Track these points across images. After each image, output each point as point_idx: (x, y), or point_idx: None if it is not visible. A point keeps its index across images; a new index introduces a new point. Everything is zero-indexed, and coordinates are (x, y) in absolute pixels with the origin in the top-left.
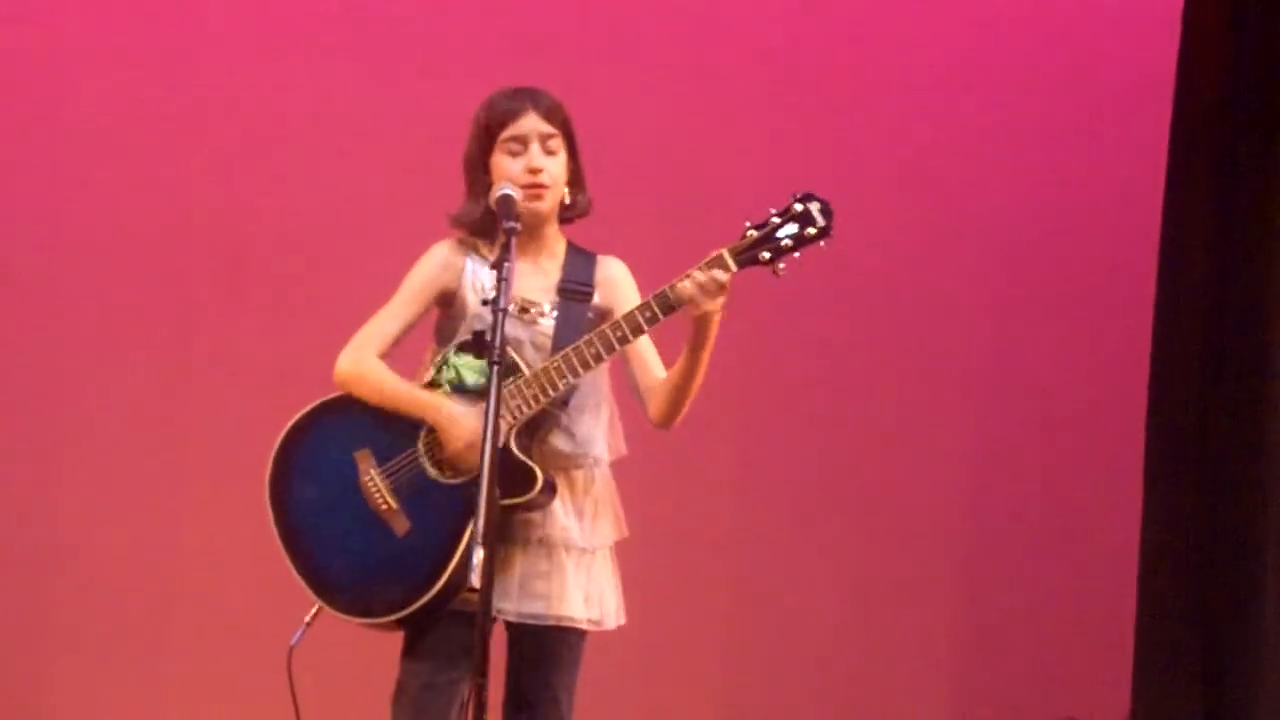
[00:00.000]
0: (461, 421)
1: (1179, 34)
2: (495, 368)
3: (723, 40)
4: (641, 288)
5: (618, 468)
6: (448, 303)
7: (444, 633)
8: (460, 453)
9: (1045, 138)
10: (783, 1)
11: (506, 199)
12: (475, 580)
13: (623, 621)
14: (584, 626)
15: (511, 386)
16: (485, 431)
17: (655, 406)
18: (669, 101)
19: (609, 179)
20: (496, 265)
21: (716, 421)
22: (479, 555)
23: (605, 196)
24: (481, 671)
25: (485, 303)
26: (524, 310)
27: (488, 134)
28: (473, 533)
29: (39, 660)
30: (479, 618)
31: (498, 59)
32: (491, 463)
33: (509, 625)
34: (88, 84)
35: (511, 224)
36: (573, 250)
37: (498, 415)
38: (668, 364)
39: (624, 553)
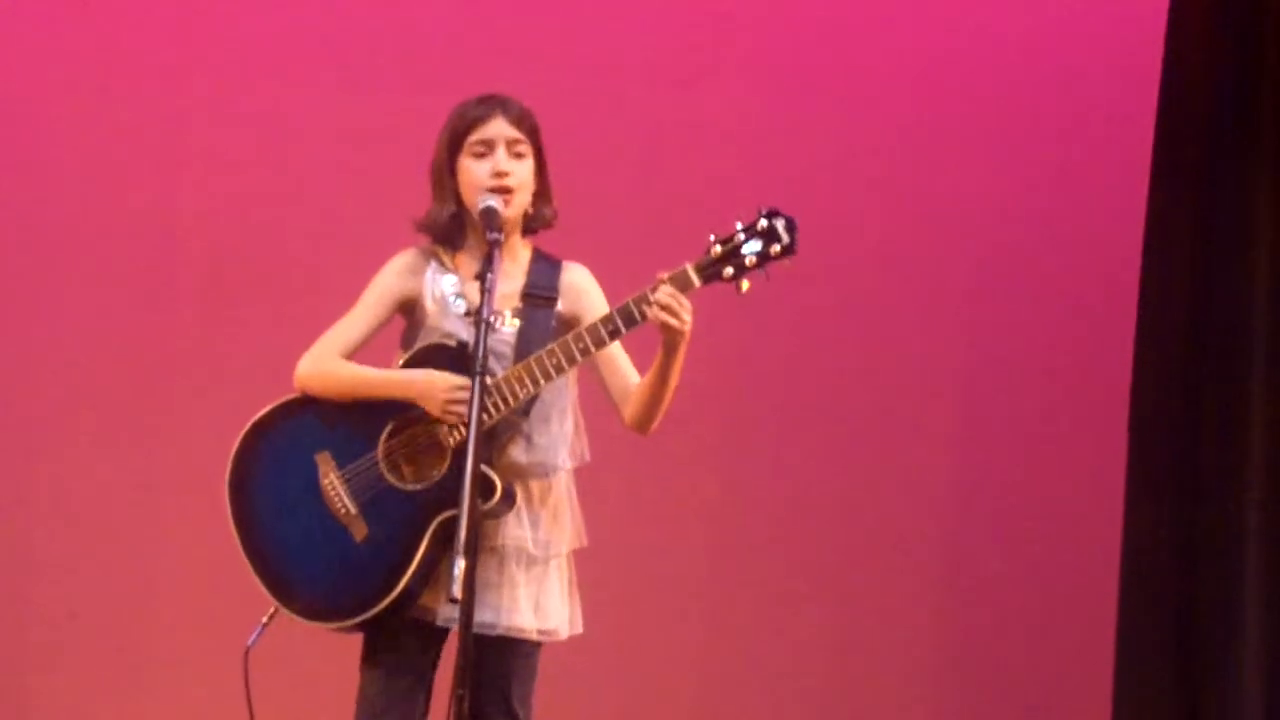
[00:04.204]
0: (439, 384)
1: (1163, 41)
2: (478, 379)
3: (698, 45)
4: (611, 296)
5: (593, 474)
6: (410, 311)
7: (399, 640)
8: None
9: (1029, 145)
10: (760, 6)
11: (490, 211)
12: (456, 591)
13: (579, 630)
14: (534, 637)
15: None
16: (468, 446)
17: (630, 412)
18: (642, 109)
19: (580, 187)
20: (479, 277)
21: (696, 426)
22: (460, 566)
23: (578, 204)
24: (461, 683)
25: (468, 314)
26: None
27: (455, 138)
28: (429, 544)
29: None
30: (460, 630)
31: (474, 70)
32: (473, 475)
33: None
34: (71, 89)
35: (495, 235)
36: (538, 256)
37: (480, 427)
38: (641, 367)
39: (600, 558)
